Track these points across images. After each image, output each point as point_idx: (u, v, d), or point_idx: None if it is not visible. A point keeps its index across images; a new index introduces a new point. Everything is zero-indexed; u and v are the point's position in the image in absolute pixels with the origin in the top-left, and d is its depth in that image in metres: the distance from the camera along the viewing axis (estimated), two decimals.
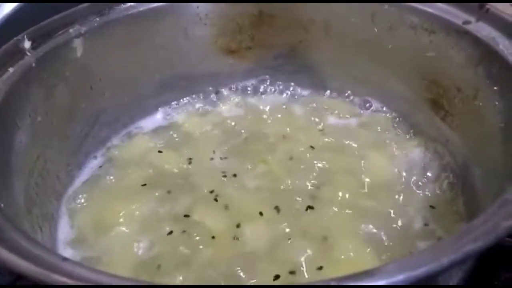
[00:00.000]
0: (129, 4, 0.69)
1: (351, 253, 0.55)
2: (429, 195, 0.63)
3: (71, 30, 0.64)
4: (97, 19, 0.66)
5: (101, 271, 0.35)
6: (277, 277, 0.53)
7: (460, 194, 0.62)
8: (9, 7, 0.77)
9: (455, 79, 0.63)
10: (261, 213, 0.60)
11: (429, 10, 0.64)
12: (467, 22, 0.61)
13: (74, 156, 0.68)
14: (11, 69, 0.57)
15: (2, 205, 0.45)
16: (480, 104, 0.59)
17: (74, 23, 0.65)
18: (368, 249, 0.56)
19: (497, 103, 0.56)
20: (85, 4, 0.67)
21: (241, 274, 0.54)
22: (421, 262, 0.35)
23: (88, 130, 0.69)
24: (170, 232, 0.59)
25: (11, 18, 0.76)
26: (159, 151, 0.71)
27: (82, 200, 0.65)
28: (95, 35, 0.66)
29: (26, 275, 0.36)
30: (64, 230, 0.61)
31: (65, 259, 0.37)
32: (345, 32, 0.73)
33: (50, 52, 0.61)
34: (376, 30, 0.70)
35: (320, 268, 0.54)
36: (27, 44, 0.60)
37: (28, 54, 0.60)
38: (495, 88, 0.56)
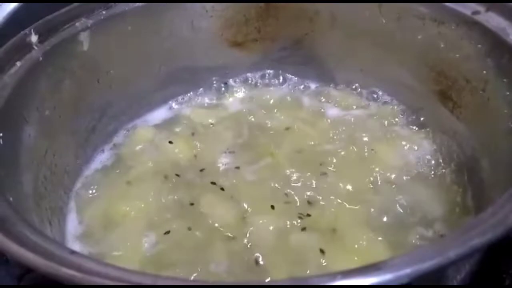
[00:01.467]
0: None
1: (361, 245, 0.55)
2: (437, 187, 0.63)
3: (77, 24, 0.64)
4: (103, 12, 0.66)
5: (110, 264, 0.36)
6: (286, 270, 0.54)
7: (468, 186, 0.62)
8: (15, 3, 0.77)
9: (463, 70, 0.63)
10: (269, 206, 0.60)
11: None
12: (476, 13, 0.60)
13: (82, 149, 0.68)
14: (18, 63, 0.57)
15: (11, 198, 0.45)
16: (489, 95, 0.58)
17: (81, 16, 0.65)
18: (377, 241, 0.56)
19: (506, 94, 0.55)
20: None
21: (251, 266, 0.54)
22: (428, 256, 0.35)
23: (95, 123, 0.70)
24: (178, 227, 0.59)
25: (18, 12, 0.77)
26: (166, 144, 0.71)
27: (90, 194, 0.65)
28: (102, 28, 0.66)
29: (35, 268, 0.36)
30: (73, 224, 0.62)
31: (73, 252, 0.37)
32: (352, 24, 0.72)
33: (57, 46, 0.61)
34: (383, 21, 0.70)
35: (329, 259, 0.54)
36: (34, 38, 0.60)
37: (35, 48, 0.60)
38: (504, 79, 0.56)
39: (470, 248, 0.36)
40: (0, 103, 0.53)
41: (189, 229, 0.59)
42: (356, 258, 0.54)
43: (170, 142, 0.71)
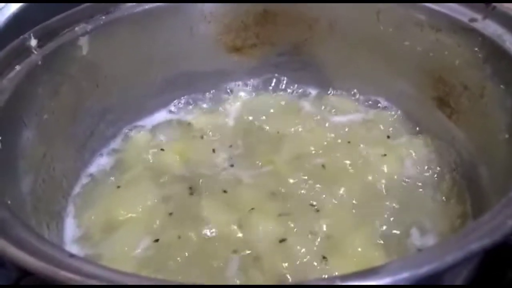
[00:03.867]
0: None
1: (357, 251, 0.56)
2: (435, 193, 0.63)
3: (77, 29, 0.64)
4: (103, 17, 0.66)
5: (108, 268, 0.36)
6: (282, 275, 0.53)
7: (467, 192, 0.62)
8: (15, 6, 0.78)
9: (461, 77, 0.63)
10: (268, 212, 0.60)
11: (435, 7, 0.64)
12: (473, 20, 0.60)
13: (80, 153, 0.68)
14: (17, 67, 0.58)
15: (9, 201, 0.45)
16: (487, 101, 0.59)
17: (80, 21, 0.65)
18: (374, 247, 0.56)
19: (504, 100, 0.55)
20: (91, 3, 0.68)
21: (246, 271, 0.54)
22: (426, 260, 0.35)
23: (93, 127, 0.70)
24: (175, 232, 0.59)
25: (17, 16, 0.77)
26: (164, 149, 0.71)
27: (88, 198, 0.65)
28: (101, 33, 0.66)
29: (34, 272, 0.36)
30: (71, 228, 0.62)
31: (72, 255, 0.37)
32: (350, 30, 0.73)
33: (56, 50, 0.62)
34: (381, 28, 0.70)
35: (329, 264, 0.54)
36: (33, 42, 0.60)
37: (35, 52, 0.60)
38: (501, 85, 0.56)
39: (467, 252, 0.36)
40: None
41: (187, 234, 0.58)
42: (355, 263, 0.54)
43: (168, 147, 0.71)
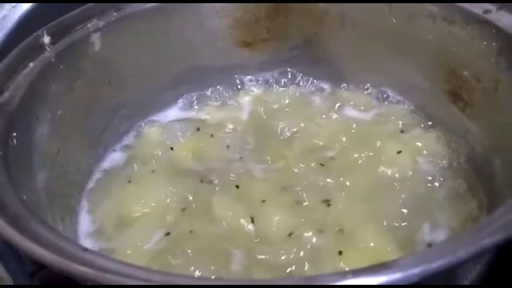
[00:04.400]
0: None
1: (369, 246, 0.55)
2: (448, 187, 0.62)
3: (89, 25, 0.65)
4: (114, 13, 0.67)
5: (121, 261, 0.36)
6: (293, 269, 0.54)
7: (480, 187, 0.61)
8: (28, 4, 0.78)
9: (475, 69, 0.62)
10: (280, 207, 0.60)
11: None
12: (487, 11, 0.59)
13: (94, 149, 0.69)
14: (31, 64, 0.58)
15: (24, 197, 0.46)
16: (501, 95, 0.58)
17: (92, 17, 0.65)
18: (386, 242, 0.56)
19: None
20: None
21: (258, 265, 0.55)
22: (438, 255, 0.35)
23: (107, 123, 0.70)
24: (188, 227, 0.59)
25: (30, 14, 0.78)
26: (177, 145, 0.71)
27: (102, 193, 0.65)
28: (113, 29, 0.66)
29: (48, 265, 0.36)
30: (85, 223, 0.62)
31: (85, 249, 0.38)
32: (361, 23, 0.72)
33: (69, 47, 0.62)
34: (394, 20, 0.69)
35: (343, 258, 0.54)
36: (46, 39, 0.61)
37: (48, 49, 0.60)
38: None
39: (480, 247, 0.36)
40: (13, 103, 0.54)
41: (199, 229, 0.59)
42: (367, 257, 0.53)
43: (181, 142, 0.72)
